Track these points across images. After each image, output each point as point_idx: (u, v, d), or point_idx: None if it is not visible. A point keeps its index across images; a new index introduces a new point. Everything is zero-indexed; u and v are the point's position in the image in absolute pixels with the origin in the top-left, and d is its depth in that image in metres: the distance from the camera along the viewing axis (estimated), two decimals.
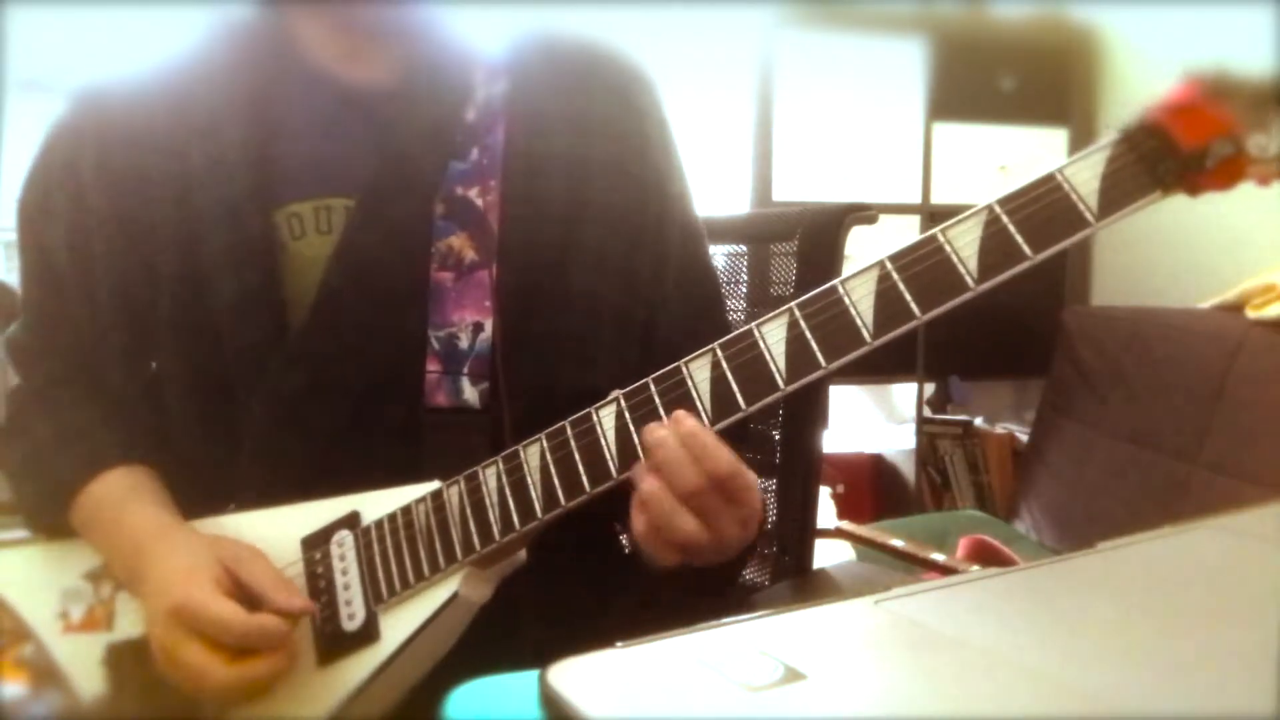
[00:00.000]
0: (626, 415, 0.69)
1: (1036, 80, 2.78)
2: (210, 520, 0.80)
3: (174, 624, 0.70)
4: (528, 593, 0.75)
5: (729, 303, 1.22)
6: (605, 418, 0.70)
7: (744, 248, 1.25)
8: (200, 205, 0.83)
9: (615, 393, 0.70)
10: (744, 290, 1.24)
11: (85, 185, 0.85)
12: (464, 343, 0.81)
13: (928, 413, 2.84)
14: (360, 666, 0.72)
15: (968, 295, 0.60)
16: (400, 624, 0.72)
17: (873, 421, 3.06)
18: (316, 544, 0.77)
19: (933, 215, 2.69)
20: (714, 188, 2.60)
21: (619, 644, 0.45)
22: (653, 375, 0.69)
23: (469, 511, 0.72)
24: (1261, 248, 2.17)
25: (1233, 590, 0.52)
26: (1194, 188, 0.57)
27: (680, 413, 0.67)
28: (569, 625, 0.73)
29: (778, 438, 1.18)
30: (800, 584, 1.13)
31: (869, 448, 2.90)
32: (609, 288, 0.86)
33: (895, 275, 0.61)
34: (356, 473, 0.78)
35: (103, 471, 0.83)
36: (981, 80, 2.75)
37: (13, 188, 0.91)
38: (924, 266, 0.61)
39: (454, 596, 0.71)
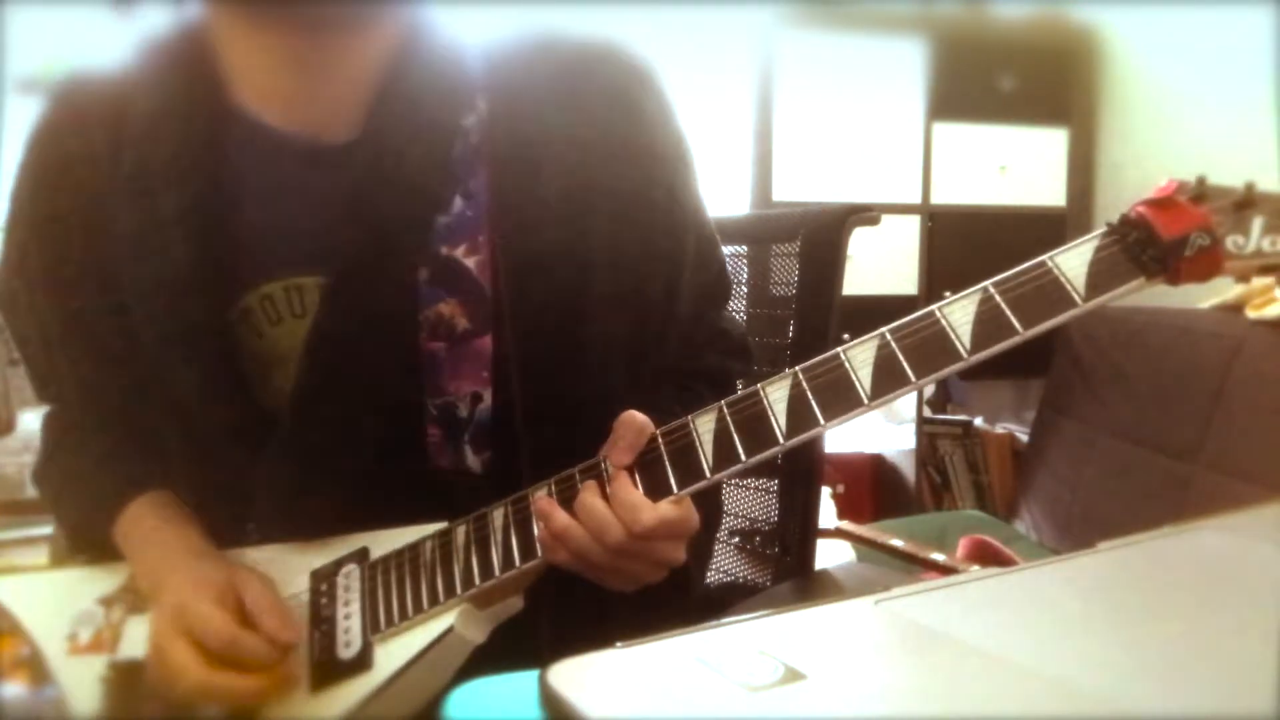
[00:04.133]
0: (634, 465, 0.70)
1: (1036, 80, 2.78)
2: (233, 552, 0.82)
3: (170, 623, 0.72)
4: (549, 620, 0.75)
5: (731, 303, 1.23)
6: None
7: (745, 248, 1.26)
8: (141, 285, 0.74)
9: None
10: (745, 291, 1.24)
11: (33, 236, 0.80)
12: (463, 412, 0.77)
13: (928, 413, 2.84)
14: (350, 694, 0.72)
15: (959, 365, 0.63)
16: (394, 655, 0.72)
17: (873, 421, 3.06)
18: (324, 576, 0.78)
19: (933, 215, 2.69)
20: (714, 188, 2.60)
21: (619, 644, 0.45)
22: (661, 429, 0.69)
23: (473, 548, 0.73)
24: None
25: (1233, 590, 0.52)
26: (1174, 276, 0.62)
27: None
28: (570, 625, 0.73)
29: None
30: (801, 584, 1.13)
31: (869, 448, 2.90)
32: (626, 332, 0.78)
33: (894, 345, 0.64)
34: (364, 529, 0.78)
35: (142, 492, 0.83)
36: (981, 80, 2.75)
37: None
38: (920, 338, 0.64)
39: (449, 631, 0.71)
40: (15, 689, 0.79)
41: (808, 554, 1.16)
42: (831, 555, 1.85)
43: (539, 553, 0.70)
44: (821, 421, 0.64)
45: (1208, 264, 0.62)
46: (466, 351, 0.75)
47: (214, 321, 0.75)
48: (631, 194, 0.77)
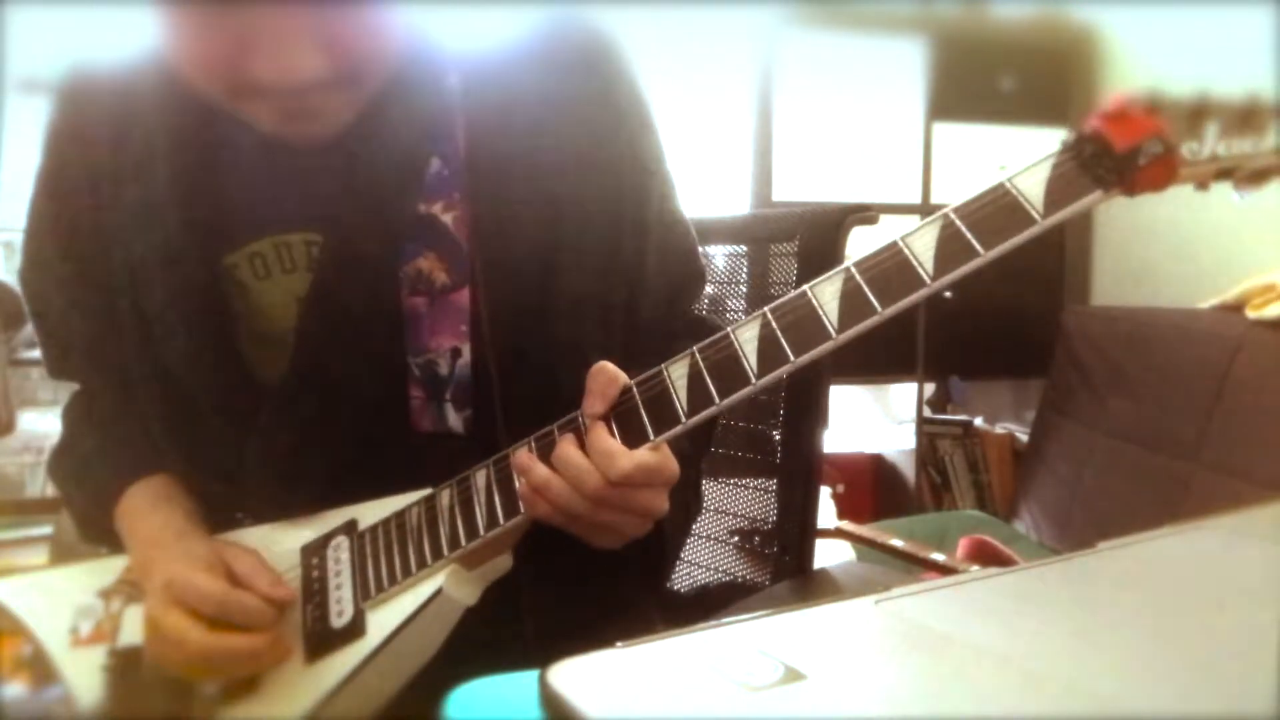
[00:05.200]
0: (609, 415, 0.70)
1: (1036, 80, 2.78)
2: (222, 535, 0.83)
3: (163, 596, 0.74)
4: (528, 592, 0.75)
5: (729, 303, 1.23)
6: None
7: (744, 248, 1.26)
8: (138, 251, 0.78)
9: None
10: (744, 291, 1.24)
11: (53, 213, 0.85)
12: (443, 369, 0.79)
13: (928, 413, 2.84)
14: (345, 661, 0.73)
15: (924, 291, 0.63)
16: (386, 619, 0.73)
17: (873, 421, 3.06)
18: (315, 550, 0.79)
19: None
20: (714, 188, 2.60)
21: (619, 644, 0.45)
22: (635, 379, 0.70)
23: (457, 509, 0.73)
24: (1262, 248, 2.18)
25: (1233, 590, 0.52)
26: (1130, 186, 0.62)
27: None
28: (570, 625, 0.73)
29: (778, 438, 1.18)
30: (801, 584, 1.13)
31: (869, 448, 2.90)
32: (593, 287, 0.82)
33: (858, 277, 0.65)
34: (353, 500, 0.79)
35: (137, 479, 0.84)
36: (981, 80, 2.75)
37: (13, 188, 0.91)
38: (883, 269, 0.65)
39: (439, 592, 0.72)
40: (16, 689, 0.80)
41: (806, 554, 1.16)
42: (831, 555, 1.85)
43: (521, 509, 0.70)
44: (791, 358, 0.65)
45: (1163, 171, 0.62)
46: (446, 305, 0.78)
47: (205, 280, 0.78)
48: (596, 149, 0.81)
